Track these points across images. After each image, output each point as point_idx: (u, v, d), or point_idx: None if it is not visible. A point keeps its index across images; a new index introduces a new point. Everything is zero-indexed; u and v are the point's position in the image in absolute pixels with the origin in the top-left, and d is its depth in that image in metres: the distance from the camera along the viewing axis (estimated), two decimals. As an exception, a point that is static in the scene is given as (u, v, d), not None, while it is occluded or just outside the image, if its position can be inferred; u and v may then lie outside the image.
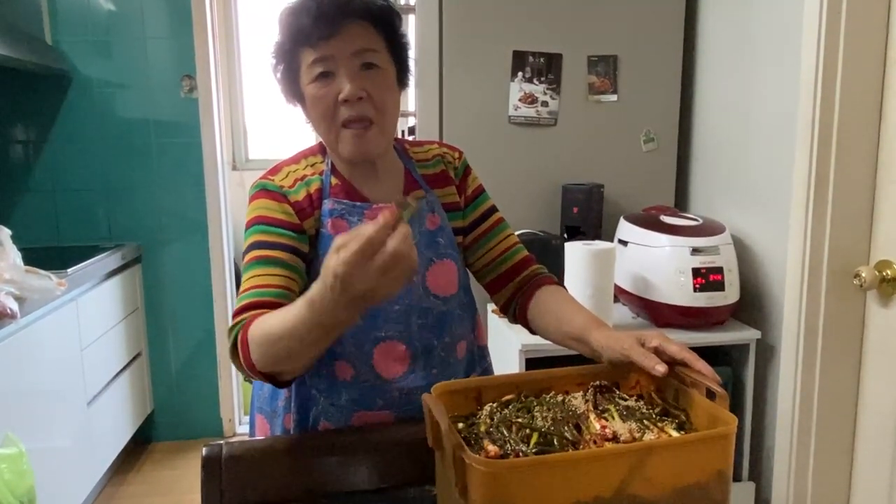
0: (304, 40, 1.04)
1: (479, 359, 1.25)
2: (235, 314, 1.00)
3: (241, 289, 1.03)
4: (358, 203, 1.11)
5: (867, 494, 1.69)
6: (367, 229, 0.73)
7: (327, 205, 1.10)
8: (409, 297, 1.11)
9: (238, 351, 0.95)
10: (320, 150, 1.17)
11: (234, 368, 3.17)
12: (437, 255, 1.14)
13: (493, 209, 1.25)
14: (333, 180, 1.13)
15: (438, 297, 1.14)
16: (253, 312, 0.97)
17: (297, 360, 0.93)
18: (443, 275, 1.14)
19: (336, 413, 1.12)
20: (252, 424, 1.25)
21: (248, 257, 1.05)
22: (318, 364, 1.10)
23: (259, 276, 1.02)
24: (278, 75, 1.10)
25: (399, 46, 1.11)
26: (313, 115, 1.08)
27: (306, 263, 1.08)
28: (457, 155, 1.25)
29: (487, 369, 1.28)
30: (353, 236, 0.73)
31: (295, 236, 1.06)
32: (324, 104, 1.05)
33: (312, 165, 1.15)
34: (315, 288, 0.80)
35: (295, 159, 1.16)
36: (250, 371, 0.95)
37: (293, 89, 1.10)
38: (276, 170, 1.14)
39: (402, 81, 1.13)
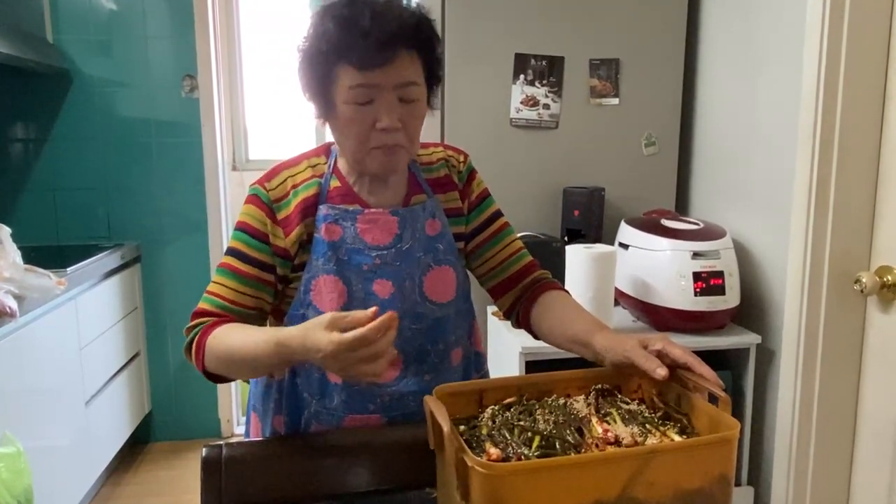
0: (351, 60, 1.01)
1: (476, 366, 1.25)
2: (195, 315, 1.09)
3: (207, 290, 1.11)
4: (350, 208, 1.11)
5: (866, 499, 1.69)
6: (363, 329, 0.85)
7: (322, 210, 1.11)
8: (403, 301, 1.11)
9: (192, 350, 1.06)
10: (325, 151, 1.17)
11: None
12: (435, 261, 1.14)
13: (498, 214, 1.25)
14: (333, 183, 1.13)
15: (435, 302, 1.13)
16: (212, 320, 1.07)
17: (250, 377, 1.13)
18: (440, 281, 1.14)
19: (327, 416, 1.12)
20: (248, 422, 1.26)
21: (223, 261, 1.12)
22: (310, 367, 1.12)
23: (226, 287, 1.10)
24: (302, 70, 1.08)
25: (435, 73, 1.12)
26: (344, 132, 1.08)
27: (295, 268, 1.12)
28: (461, 158, 1.24)
29: (484, 376, 1.28)
30: (349, 320, 0.87)
31: (270, 252, 1.11)
32: (358, 127, 1.05)
33: (314, 167, 1.14)
34: (291, 337, 0.92)
35: (296, 161, 1.16)
36: (201, 371, 1.07)
37: (319, 91, 1.07)
38: (274, 173, 1.14)
39: (430, 104, 1.14)
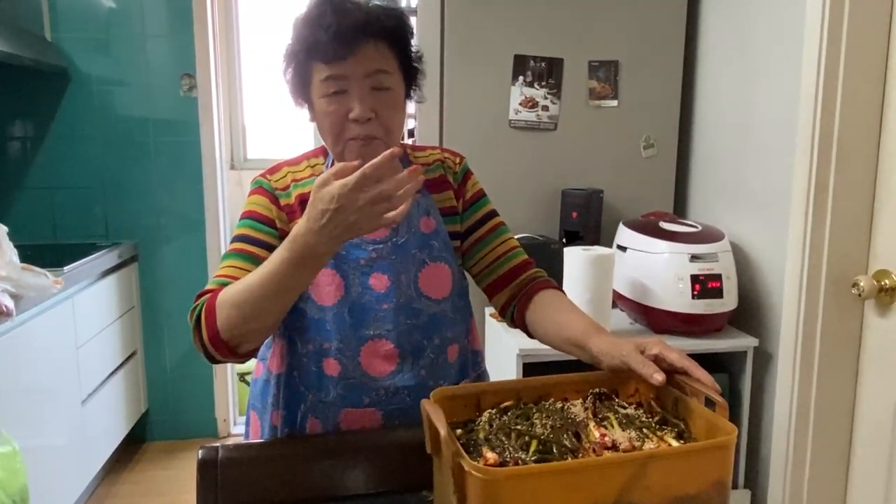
0: (318, 56, 1.05)
1: (473, 364, 1.26)
2: (199, 296, 1.03)
3: (215, 273, 1.08)
4: None
5: (863, 502, 1.69)
6: (365, 167, 0.83)
7: None
8: (399, 296, 1.12)
9: (202, 322, 0.98)
10: (323, 152, 1.20)
11: (229, 368, 3.19)
12: (430, 258, 1.15)
13: (493, 213, 1.26)
14: None
15: (430, 298, 1.15)
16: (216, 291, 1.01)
17: (269, 313, 0.97)
18: (435, 277, 1.15)
19: (324, 410, 1.13)
20: (247, 422, 1.27)
21: (231, 246, 1.11)
22: (307, 361, 1.13)
23: (235, 267, 1.07)
24: (287, 77, 1.12)
25: (410, 64, 1.13)
26: (322, 127, 1.11)
27: None
28: (457, 160, 1.26)
29: (482, 375, 1.28)
30: (337, 171, 0.85)
31: (277, 236, 1.11)
32: (333, 119, 1.07)
33: (312, 167, 1.18)
34: (298, 226, 0.89)
35: (297, 160, 1.20)
36: (211, 343, 0.98)
37: (301, 94, 1.12)
38: (276, 169, 1.18)
39: (409, 96, 1.16)
